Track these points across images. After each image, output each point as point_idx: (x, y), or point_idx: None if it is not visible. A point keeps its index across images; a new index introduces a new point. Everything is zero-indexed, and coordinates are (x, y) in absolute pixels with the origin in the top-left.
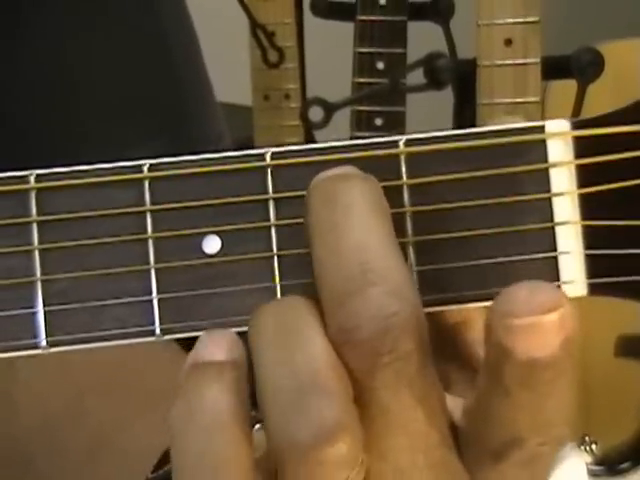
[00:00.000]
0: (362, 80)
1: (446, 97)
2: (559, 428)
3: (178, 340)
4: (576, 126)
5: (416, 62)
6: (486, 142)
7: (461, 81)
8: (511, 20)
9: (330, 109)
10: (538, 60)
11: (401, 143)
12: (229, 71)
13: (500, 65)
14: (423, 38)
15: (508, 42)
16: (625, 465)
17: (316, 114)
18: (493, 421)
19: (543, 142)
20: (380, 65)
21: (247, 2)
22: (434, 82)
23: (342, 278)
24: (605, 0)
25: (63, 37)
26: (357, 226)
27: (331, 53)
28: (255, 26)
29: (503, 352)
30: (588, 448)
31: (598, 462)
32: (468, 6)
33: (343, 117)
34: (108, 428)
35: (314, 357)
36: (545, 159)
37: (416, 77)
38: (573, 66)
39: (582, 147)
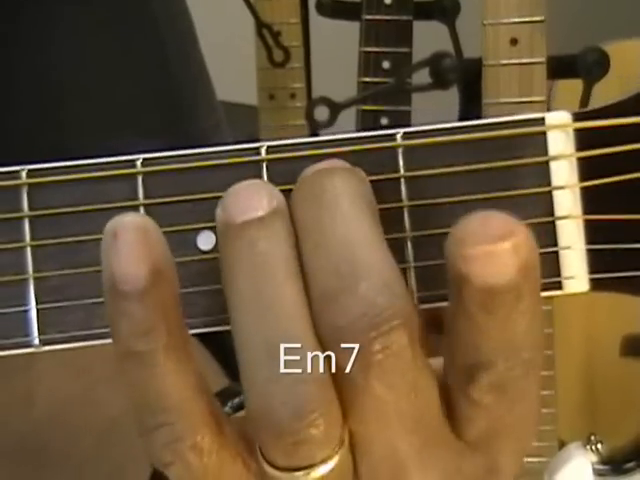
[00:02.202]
0: (368, 80)
1: (452, 97)
2: (528, 352)
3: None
4: (577, 118)
5: (422, 62)
6: (485, 135)
7: (467, 81)
8: (517, 19)
9: (336, 108)
10: (544, 59)
11: (398, 136)
12: (235, 71)
13: (506, 64)
14: (429, 38)
15: (514, 41)
16: (630, 464)
17: (322, 113)
18: (461, 346)
19: (543, 134)
20: (386, 65)
21: (253, 2)
22: (440, 82)
23: (330, 275)
24: (611, 0)
25: (50, 35)
26: (342, 222)
27: (337, 53)
28: (261, 26)
29: (461, 278)
30: (594, 447)
31: (604, 461)
32: (474, 5)
33: (349, 117)
34: (119, 415)
35: (291, 330)
36: (545, 152)
37: (422, 77)
38: (579, 65)
39: (584, 139)
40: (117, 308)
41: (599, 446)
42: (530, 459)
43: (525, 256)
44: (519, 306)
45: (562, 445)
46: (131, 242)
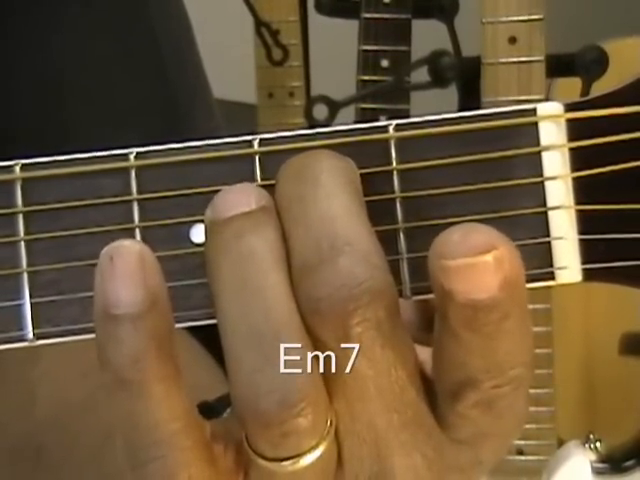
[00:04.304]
0: (366, 78)
1: (450, 95)
2: (515, 370)
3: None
4: (569, 108)
5: (420, 60)
6: (477, 126)
7: (465, 79)
8: (515, 18)
9: (335, 107)
10: (542, 58)
11: (391, 128)
12: (234, 69)
13: (504, 63)
14: (427, 36)
15: (512, 40)
16: (629, 463)
17: (321, 112)
18: (447, 363)
19: (535, 125)
20: (384, 63)
21: (252, 0)
22: (438, 80)
23: (310, 248)
24: None
25: (51, 36)
26: (323, 197)
27: (335, 51)
28: (259, 24)
29: (444, 294)
30: (592, 446)
31: (602, 460)
32: (472, 4)
33: (347, 115)
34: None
35: (277, 318)
36: (537, 142)
37: (420, 75)
38: (577, 64)
39: (576, 130)
40: (108, 333)
41: (598, 444)
42: (529, 457)
43: (508, 271)
44: (505, 325)
45: (561, 443)
46: (128, 267)
